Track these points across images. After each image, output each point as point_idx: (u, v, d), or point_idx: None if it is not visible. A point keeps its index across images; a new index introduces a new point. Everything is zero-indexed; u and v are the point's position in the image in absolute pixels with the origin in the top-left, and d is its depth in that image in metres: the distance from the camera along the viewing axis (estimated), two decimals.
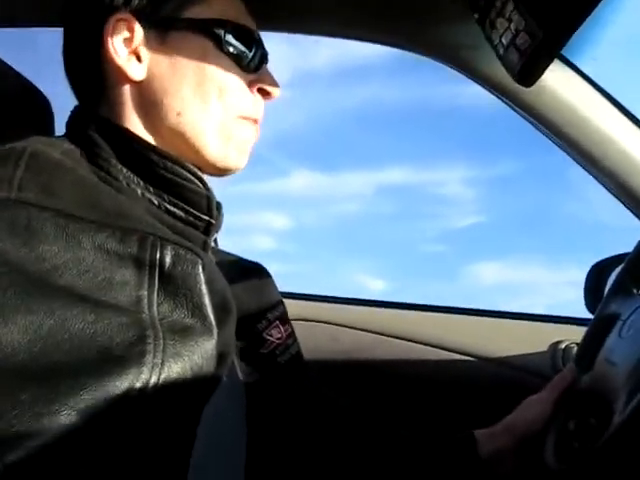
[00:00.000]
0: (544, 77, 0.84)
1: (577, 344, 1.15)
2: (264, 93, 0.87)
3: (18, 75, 0.91)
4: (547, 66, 0.80)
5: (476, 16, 0.93)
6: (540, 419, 0.91)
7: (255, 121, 0.87)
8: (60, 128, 0.93)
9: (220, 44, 0.82)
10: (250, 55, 0.84)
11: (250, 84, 0.85)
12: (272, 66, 0.90)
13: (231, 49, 0.82)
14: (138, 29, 0.80)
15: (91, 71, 0.82)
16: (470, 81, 1.12)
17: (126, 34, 0.80)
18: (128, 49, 0.80)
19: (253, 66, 0.85)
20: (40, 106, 0.94)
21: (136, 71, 0.80)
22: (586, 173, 1.13)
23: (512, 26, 0.79)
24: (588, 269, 1.21)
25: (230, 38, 0.82)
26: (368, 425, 1.00)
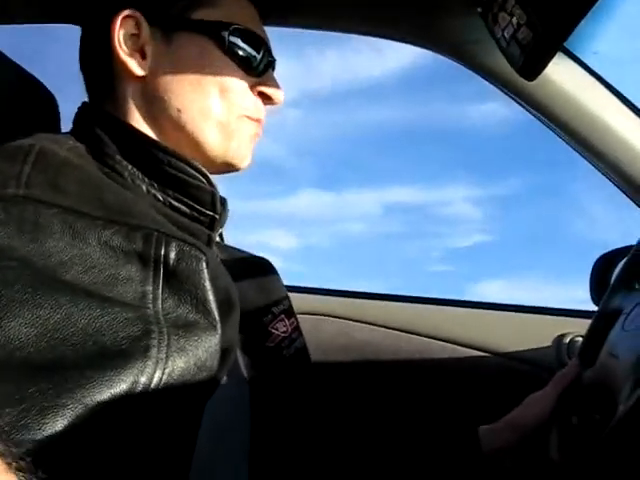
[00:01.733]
0: (547, 70, 0.84)
1: (582, 337, 1.15)
2: (266, 97, 0.88)
3: (23, 72, 0.92)
4: (549, 60, 0.80)
5: (479, 10, 0.93)
6: (543, 415, 0.91)
7: (257, 121, 0.87)
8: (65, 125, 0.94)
9: (224, 46, 0.83)
10: (257, 59, 0.85)
11: (252, 86, 0.86)
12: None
13: (235, 52, 0.83)
14: (145, 26, 0.81)
15: (100, 66, 0.84)
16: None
17: (133, 30, 0.81)
18: (134, 45, 0.81)
19: (258, 70, 0.86)
20: (46, 103, 0.95)
21: (138, 67, 0.81)
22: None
23: (514, 20, 0.79)
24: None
25: (235, 41, 0.83)
26: (370, 420, 1.00)
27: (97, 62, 0.84)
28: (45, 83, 0.95)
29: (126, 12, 0.81)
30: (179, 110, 0.82)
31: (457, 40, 1.09)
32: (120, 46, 0.81)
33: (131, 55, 0.81)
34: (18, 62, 0.91)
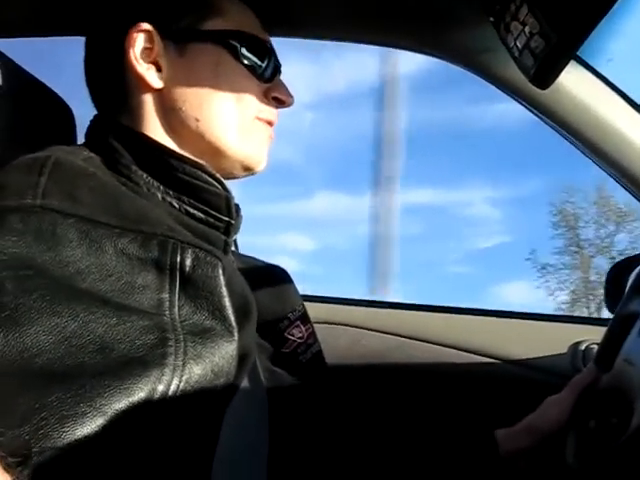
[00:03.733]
0: (560, 78, 0.85)
1: (597, 344, 1.15)
2: (278, 101, 0.90)
3: (40, 84, 0.93)
4: (562, 68, 0.81)
5: (491, 19, 0.93)
6: (560, 419, 0.91)
7: (270, 123, 0.90)
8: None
9: (236, 54, 0.84)
10: (264, 65, 0.87)
11: (265, 92, 0.88)
12: (293, 88, 0.92)
13: (246, 59, 0.85)
14: (158, 40, 0.83)
15: (113, 80, 0.85)
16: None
17: (146, 45, 0.83)
18: (148, 59, 0.83)
19: (267, 76, 0.88)
20: (62, 114, 0.96)
21: (156, 80, 0.83)
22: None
23: (526, 29, 0.79)
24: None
25: (245, 48, 0.85)
26: (386, 426, 1.00)
27: (109, 75, 0.86)
28: (60, 93, 0.97)
29: (139, 26, 0.82)
30: (197, 119, 0.83)
31: (470, 50, 1.09)
32: (136, 60, 0.82)
33: (147, 69, 0.83)
34: (33, 73, 0.93)
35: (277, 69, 0.91)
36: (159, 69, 0.83)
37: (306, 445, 0.93)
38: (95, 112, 0.89)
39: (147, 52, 0.83)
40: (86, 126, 0.88)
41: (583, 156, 1.13)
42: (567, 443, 0.86)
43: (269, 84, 0.89)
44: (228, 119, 0.84)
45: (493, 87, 1.13)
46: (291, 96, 0.91)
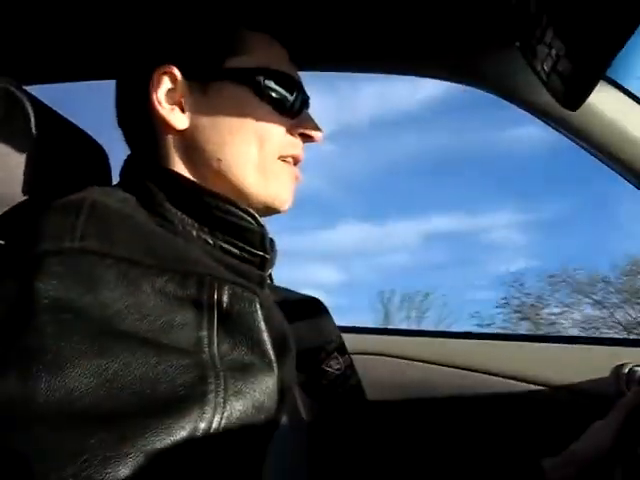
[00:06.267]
0: (590, 98, 0.84)
1: None
2: (305, 137, 0.90)
3: (74, 127, 0.95)
4: (592, 89, 0.80)
5: (517, 44, 0.93)
6: (605, 445, 0.89)
7: (295, 159, 0.89)
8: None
9: (260, 92, 0.84)
10: (290, 100, 0.87)
11: (291, 128, 0.88)
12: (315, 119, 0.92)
13: (271, 96, 0.85)
14: (181, 80, 0.84)
15: (140, 121, 0.86)
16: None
17: (169, 85, 0.84)
18: (172, 100, 0.84)
19: (294, 111, 0.88)
20: (97, 156, 0.98)
21: (179, 121, 0.84)
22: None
23: (553, 52, 0.79)
24: None
25: (270, 85, 0.85)
26: (432, 459, 0.99)
27: (136, 117, 0.87)
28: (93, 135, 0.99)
29: (162, 69, 0.83)
30: (219, 160, 0.84)
31: (498, 75, 1.09)
32: (159, 103, 0.83)
33: (171, 110, 0.84)
34: (67, 116, 0.95)
35: (304, 103, 0.91)
36: (182, 110, 0.84)
37: (345, 477, 0.91)
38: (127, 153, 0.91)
39: (171, 93, 0.84)
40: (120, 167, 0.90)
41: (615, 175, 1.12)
42: (615, 470, 0.84)
43: (296, 119, 0.89)
44: (249, 160, 0.84)
45: (517, 110, 1.12)
46: (320, 130, 0.91)
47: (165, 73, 0.83)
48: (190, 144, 0.85)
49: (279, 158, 0.87)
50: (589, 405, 1.27)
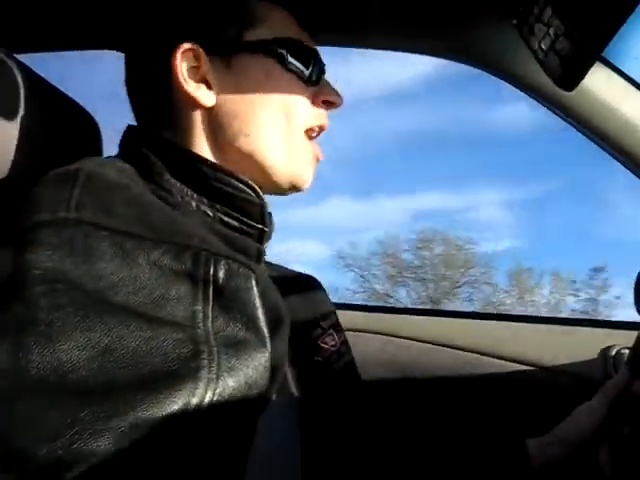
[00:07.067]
0: (586, 80, 0.84)
1: (628, 348, 1.13)
2: (328, 104, 0.90)
3: (64, 96, 0.94)
4: (588, 69, 0.80)
5: (514, 22, 0.92)
6: (593, 426, 0.90)
7: (321, 129, 0.90)
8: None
9: (283, 62, 0.84)
10: (311, 69, 0.87)
11: (314, 97, 0.88)
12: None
13: (293, 66, 0.85)
14: (204, 57, 0.82)
15: (158, 98, 0.85)
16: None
17: (193, 62, 0.83)
18: (196, 77, 0.83)
19: (314, 79, 0.88)
20: (88, 127, 0.97)
21: (207, 98, 0.83)
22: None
23: (551, 31, 0.79)
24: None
25: (292, 55, 0.85)
26: (417, 434, 0.99)
27: (154, 93, 0.86)
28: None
29: (184, 46, 0.82)
30: (247, 135, 0.83)
31: (493, 53, 1.08)
32: (186, 81, 0.82)
33: (197, 87, 0.83)
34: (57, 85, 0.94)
35: (322, 70, 0.91)
36: (209, 86, 0.83)
37: (339, 454, 0.92)
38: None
39: (194, 70, 0.83)
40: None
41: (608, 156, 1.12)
42: (600, 451, 0.85)
43: (316, 87, 0.89)
44: (276, 135, 0.84)
45: (510, 88, 1.12)
46: (339, 96, 0.91)
47: (188, 50, 0.82)
48: (217, 121, 0.84)
49: (305, 132, 0.87)
50: (576, 386, 1.28)
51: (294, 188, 0.89)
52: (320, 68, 0.90)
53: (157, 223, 0.70)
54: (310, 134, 0.88)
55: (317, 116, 0.89)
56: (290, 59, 0.84)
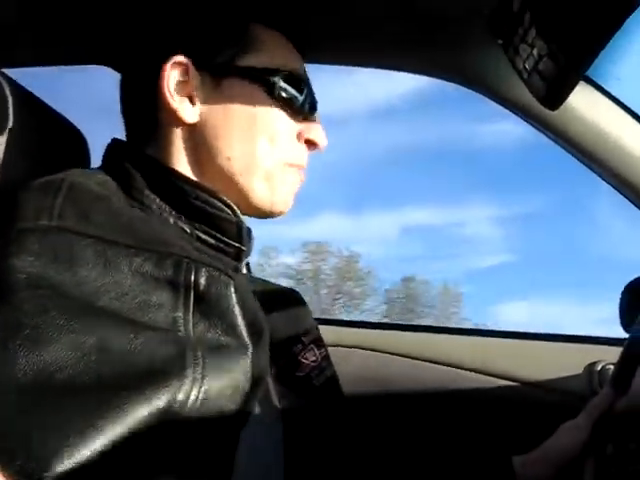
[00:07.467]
0: (570, 99, 0.85)
1: (613, 364, 1.13)
2: (310, 144, 0.89)
3: (52, 111, 0.94)
4: (572, 89, 0.81)
5: (500, 42, 0.93)
6: (577, 445, 0.89)
7: (301, 167, 0.89)
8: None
9: (273, 92, 0.84)
10: (300, 101, 0.86)
11: (299, 134, 0.87)
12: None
13: (283, 96, 0.84)
14: (194, 73, 0.82)
15: (145, 111, 0.85)
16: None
17: (182, 77, 0.82)
18: (182, 92, 0.82)
19: (303, 112, 0.87)
20: (76, 141, 0.97)
21: (189, 114, 0.83)
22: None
23: (534, 52, 0.79)
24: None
25: (283, 85, 0.84)
26: (401, 451, 0.99)
27: (142, 107, 0.86)
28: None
29: (175, 59, 0.82)
30: (228, 158, 0.83)
31: (479, 72, 1.10)
32: (170, 94, 0.82)
33: (181, 102, 0.82)
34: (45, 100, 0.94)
35: (313, 107, 0.90)
36: (193, 103, 0.83)
37: (322, 469, 0.92)
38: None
39: (182, 85, 0.82)
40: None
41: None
42: (585, 469, 0.85)
43: (304, 124, 0.88)
44: (259, 162, 0.84)
45: (496, 106, 1.13)
46: (324, 139, 0.90)
47: (178, 64, 0.82)
48: (198, 139, 0.84)
49: (286, 164, 0.87)
50: (562, 402, 1.29)
51: (272, 214, 0.89)
52: (311, 103, 0.89)
53: (138, 232, 0.72)
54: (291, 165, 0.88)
55: (297, 155, 0.88)
56: (280, 89, 0.84)
